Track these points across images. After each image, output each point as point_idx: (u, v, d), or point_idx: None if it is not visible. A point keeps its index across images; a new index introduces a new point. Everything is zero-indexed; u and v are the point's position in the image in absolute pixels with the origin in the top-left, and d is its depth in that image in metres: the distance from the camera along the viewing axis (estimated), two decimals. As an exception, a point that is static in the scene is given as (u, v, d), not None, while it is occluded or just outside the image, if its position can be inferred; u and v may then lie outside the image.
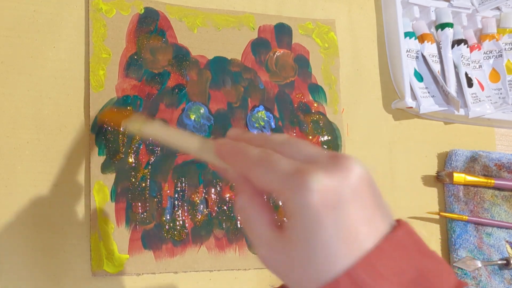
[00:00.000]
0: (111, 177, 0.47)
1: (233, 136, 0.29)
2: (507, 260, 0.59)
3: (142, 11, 0.51)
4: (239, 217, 0.26)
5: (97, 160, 0.47)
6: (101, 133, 0.47)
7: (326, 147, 0.56)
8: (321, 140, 0.56)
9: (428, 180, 0.61)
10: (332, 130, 0.56)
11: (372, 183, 0.24)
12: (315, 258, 0.23)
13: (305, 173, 0.23)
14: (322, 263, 0.23)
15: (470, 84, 0.63)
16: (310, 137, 0.55)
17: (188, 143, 0.32)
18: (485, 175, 0.61)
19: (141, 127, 0.40)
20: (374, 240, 0.23)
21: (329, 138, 0.56)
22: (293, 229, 0.23)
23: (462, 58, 0.63)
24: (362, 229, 0.23)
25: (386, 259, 0.23)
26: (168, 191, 0.49)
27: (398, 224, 0.24)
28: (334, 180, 0.23)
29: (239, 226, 0.50)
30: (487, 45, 0.66)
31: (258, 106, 0.54)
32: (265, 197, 0.27)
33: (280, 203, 0.25)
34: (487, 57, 0.66)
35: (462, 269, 0.57)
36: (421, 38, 0.63)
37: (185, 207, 0.49)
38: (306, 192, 0.22)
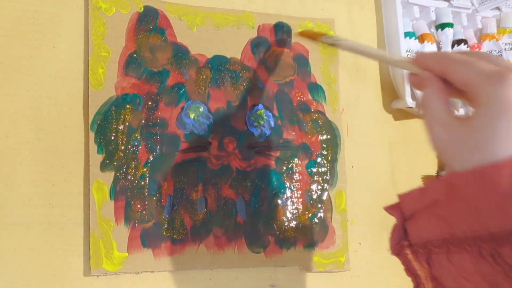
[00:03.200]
0: (110, 176, 0.47)
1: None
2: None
3: (142, 9, 0.51)
4: (423, 105, 0.33)
5: (96, 158, 0.47)
6: (100, 132, 0.47)
7: (325, 146, 0.56)
8: (320, 139, 0.56)
9: (428, 180, 0.61)
10: (331, 129, 0.56)
11: None
12: (493, 140, 0.28)
13: (505, 72, 0.28)
14: (496, 146, 0.27)
15: (470, 83, 0.63)
16: (309, 136, 0.55)
17: (381, 54, 0.42)
18: (486, 175, 0.61)
19: (335, 42, 0.46)
20: None
21: (328, 137, 0.56)
22: (480, 116, 0.29)
23: (462, 58, 0.63)
24: None
25: None
26: (167, 190, 0.49)
27: None
28: None
29: (235, 224, 0.50)
30: (487, 45, 0.66)
31: (257, 105, 0.54)
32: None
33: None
34: (487, 57, 0.66)
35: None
36: (421, 38, 0.63)
37: (184, 206, 0.49)
38: (504, 86, 0.28)
